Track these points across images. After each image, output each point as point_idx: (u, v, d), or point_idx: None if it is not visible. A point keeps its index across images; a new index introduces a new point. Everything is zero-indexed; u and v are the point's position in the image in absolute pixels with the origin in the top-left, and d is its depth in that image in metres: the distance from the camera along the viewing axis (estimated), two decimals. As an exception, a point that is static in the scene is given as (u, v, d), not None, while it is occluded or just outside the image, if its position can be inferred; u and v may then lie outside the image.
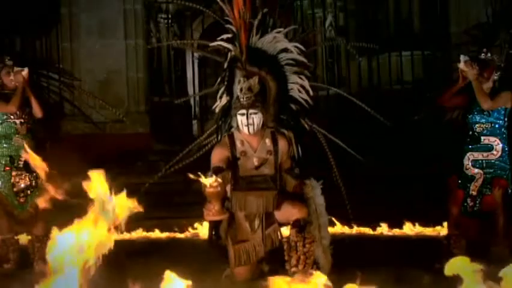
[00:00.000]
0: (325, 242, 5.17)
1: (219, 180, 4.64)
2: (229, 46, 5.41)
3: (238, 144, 5.11)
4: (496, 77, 5.91)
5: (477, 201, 5.83)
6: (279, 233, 5.14)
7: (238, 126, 5.13)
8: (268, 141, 5.12)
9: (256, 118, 5.04)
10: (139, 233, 8.27)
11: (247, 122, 5.03)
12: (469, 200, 5.85)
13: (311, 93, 5.42)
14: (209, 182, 4.62)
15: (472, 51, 6.30)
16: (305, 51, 5.51)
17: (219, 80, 5.57)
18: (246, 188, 5.07)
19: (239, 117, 5.06)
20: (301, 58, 5.44)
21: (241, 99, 5.07)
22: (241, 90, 5.09)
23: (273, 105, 5.26)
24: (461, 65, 5.82)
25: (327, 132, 5.66)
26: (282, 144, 5.13)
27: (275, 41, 5.43)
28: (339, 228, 7.79)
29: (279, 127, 5.27)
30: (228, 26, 5.45)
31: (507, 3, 7.18)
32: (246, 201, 5.06)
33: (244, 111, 5.03)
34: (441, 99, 6.00)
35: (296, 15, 12.76)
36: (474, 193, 5.83)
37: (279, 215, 5.08)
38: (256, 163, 5.06)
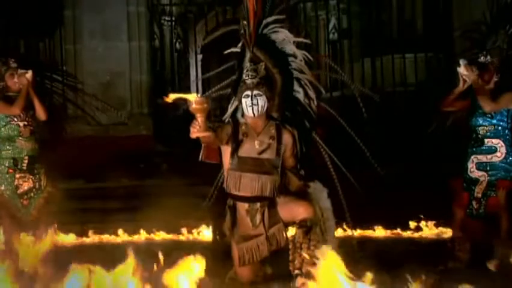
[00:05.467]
0: (331, 246, 5.16)
1: (204, 98, 4.76)
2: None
3: (242, 126, 5.14)
4: (496, 79, 5.91)
5: (482, 204, 5.83)
6: (283, 233, 5.13)
7: (243, 110, 5.15)
8: (272, 128, 5.14)
9: (261, 100, 5.07)
10: (142, 235, 8.28)
11: (251, 103, 5.06)
12: (474, 202, 5.85)
13: (315, 103, 5.46)
14: (194, 98, 4.69)
15: (474, 53, 6.29)
16: (312, 59, 5.55)
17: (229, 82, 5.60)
18: (243, 168, 5.07)
19: (244, 100, 5.10)
20: (307, 70, 5.47)
21: (246, 79, 5.12)
22: (247, 70, 5.14)
23: (278, 96, 5.28)
24: (461, 69, 5.82)
25: (329, 133, 5.67)
26: (287, 137, 5.14)
27: (285, 42, 5.46)
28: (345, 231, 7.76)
29: (284, 123, 5.27)
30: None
31: (505, 4, 7.17)
32: (241, 181, 5.06)
33: (249, 92, 5.07)
34: (443, 103, 6.01)
35: (299, 17, 12.75)
36: (479, 195, 5.83)
37: (284, 213, 5.08)
38: (257, 146, 5.08)
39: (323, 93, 5.75)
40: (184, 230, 8.28)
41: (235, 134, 5.09)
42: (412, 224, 7.89)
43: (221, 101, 5.80)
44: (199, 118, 4.72)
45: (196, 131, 4.77)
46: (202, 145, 5.07)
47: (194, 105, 4.69)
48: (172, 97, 4.78)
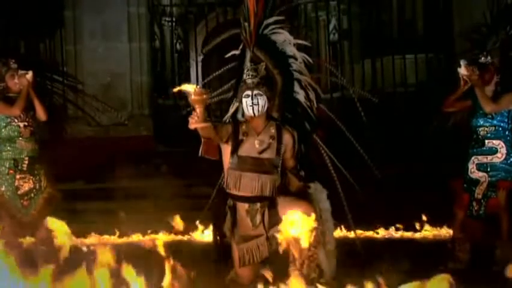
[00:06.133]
0: (330, 247, 5.16)
1: (203, 89, 4.78)
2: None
3: (242, 125, 5.14)
4: (497, 80, 5.91)
5: (482, 204, 5.83)
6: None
7: (243, 110, 5.16)
8: (272, 128, 5.14)
9: (261, 100, 5.07)
10: (140, 236, 8.27)
11: (251, 102, 5.06)
12: (474, 203, 5.85)
13: (315, 104, 5.47)
14: (193, 89, 4.71)
15: (475, 54, 6.30)
16: (311, 62, 5.57)
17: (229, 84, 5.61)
18: (243, 168, 5.07)
19: (244, 100, 5.09)
20: (307, 72, 5.48)
21: (247, 79, 5.12)
22: (247, 70, 5.15)
23: (278, 97, 5.29)
24: (462, 70, 5.83)
25: (329, 135, 5.67)
26: (287, 137, 5.14)
27: (285, 44, 5.47)
28: (343, 233, 7.76)
29: (284, 123, 5.27)
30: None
31: (505, 5, 7.19)
32: (241, 181, 5.06)
33: (249, 92, 5.07)
34: (444, 104, 6.01)
35: (300, 18, 12.76)
36: (479, 196, 5.83)
37: (284, 214, 5.07)
38: (257, 145, 5.08)
39: (321, 95, 5.76)
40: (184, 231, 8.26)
41: (235, 133, 5.09)
42: (406, 225, 7.88)
43: (221, 103, 5.81)
44: (198, 109, 4.74)
45: (195, 121, 4.79)
46: (202, 140, 5.07)
47: (193, 96, 4.72)
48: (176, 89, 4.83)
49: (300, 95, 5.47)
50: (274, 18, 5.46)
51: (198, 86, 4.79)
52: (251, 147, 5.08)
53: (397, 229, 8.00)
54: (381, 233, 7.99)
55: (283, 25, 5.53)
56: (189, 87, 4.74)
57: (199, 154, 5.15)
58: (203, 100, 4.74)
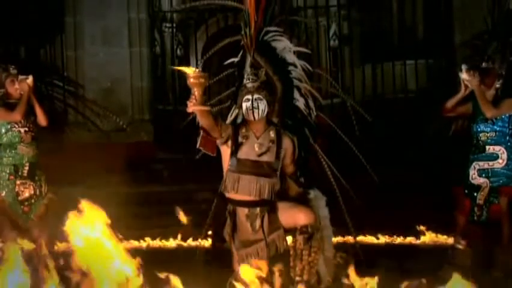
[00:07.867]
0: (328, 254, 5.16)
1: (202, 72, 4.76)
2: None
3: (242, 129, 5.14)
4: (498, 85, 5.92)
5: (484, 210, 5.83)
6: (284, 239, 5.12)
7: (243, 115, 5.16)
8: (272, 133, 5.14)
9: (261, 104, 5.07)
10: (142, 242, 8.27)
11: (251, 106, 5.05)
12: (476, 209, 5.84)
13: (314, 112, 5.48)
14: (192, 72, 4.70)
15: (475, 59, 6.32)
16: (311, 70, 5.58)
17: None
18: (242, 171, 5.07)
19: (244, 105, 5.09)
20: (306, 79, 5.49)
21: (247, 83, 5.12)
22: (247, 74, 5.16)
23: (278, 102, 5.29)
24: (463, 74, 5.83)
25: (330, 139, 5.68)
26: (287, 142, 5.14)
27: (285, 51, 5.48)
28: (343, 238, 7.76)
29: (284, 129, 5.28)
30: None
31: (507, 10, 7.19)
32: (239, 183, 5.05)
33: (249, 96, 5.07)
34: (444, 109, 6.01)
35: (300, 24, 12.76)
36: (481, 202, 5.83)
37: (284, 219, 5.07)
38: (257, 149, 5.07)
39: (322, 102, 5.76)
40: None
41: (235, 136, 5.09)
42: (407, 230, 7.87)
43: (221, 109, 5.81)
44: (196, 92, 4.74)
45: (193, 104, 4.78)
46: (201, 133, 5.06)
47: (191, 79, 4.72)
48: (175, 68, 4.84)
49: (300, 102, 5.48)
50: (274, 28, 5.48)
51: (197, 69, 4.78)
52: (250, 150, 5.08)
53: (398, 235, 8.00)
54: (382, 239, 7.99)
55: (283, 32, 5.54)
56: (188, 70, 4.73)
57: (197, 146, 5.14)
58: (200, 84, 4.73)
